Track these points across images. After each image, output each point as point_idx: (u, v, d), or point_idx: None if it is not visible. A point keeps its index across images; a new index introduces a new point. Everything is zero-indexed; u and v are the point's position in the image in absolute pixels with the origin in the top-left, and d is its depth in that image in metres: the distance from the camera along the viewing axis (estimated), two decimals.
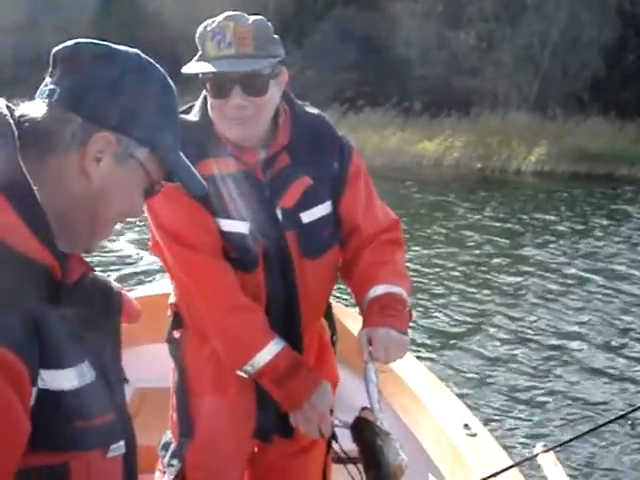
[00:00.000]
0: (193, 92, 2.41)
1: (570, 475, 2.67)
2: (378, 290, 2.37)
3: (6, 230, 1.17)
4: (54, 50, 1.32)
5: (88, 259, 1.41)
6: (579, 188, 20.24)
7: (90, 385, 1.26)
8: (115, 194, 1.34)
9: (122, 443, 1.36)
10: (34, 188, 1.20)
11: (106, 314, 1.42)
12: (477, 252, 12.38)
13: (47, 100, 1.29)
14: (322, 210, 2.44)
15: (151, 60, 1.38)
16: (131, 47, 1.38)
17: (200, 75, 2.27)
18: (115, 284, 1.49)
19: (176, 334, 2.55)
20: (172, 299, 2.58)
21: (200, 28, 2.26)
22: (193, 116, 2.35)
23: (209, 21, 2.23)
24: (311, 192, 2.40)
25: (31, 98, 1.34)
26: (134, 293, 4.15)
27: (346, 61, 27.75)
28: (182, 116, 2.30)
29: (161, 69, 1.39)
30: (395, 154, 23.46)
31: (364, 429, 2.07)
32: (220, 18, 2.22)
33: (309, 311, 2.50)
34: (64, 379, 1.21)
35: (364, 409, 2.12)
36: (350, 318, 3.92)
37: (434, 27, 28.15)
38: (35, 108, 1.29)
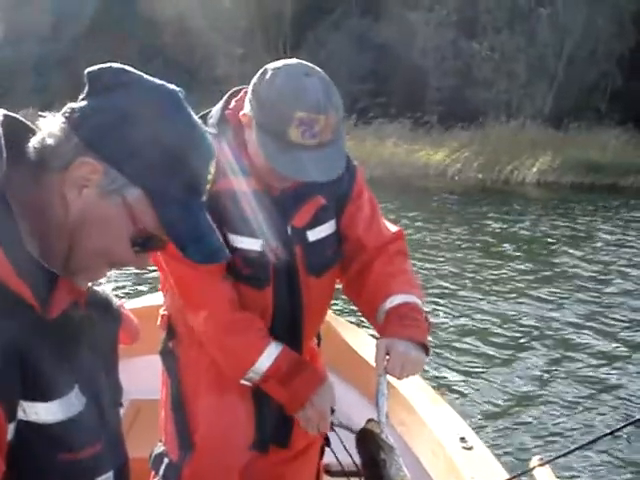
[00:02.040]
0: (206, 103, 2.39)
1: None
2: (395, 300, 2.36)
3: None
4: (86, 70, 1.27)
5: None
6: (588, 199, 20.22)
7: (77, 416, 1.23)
8: (94, 230, 1.24)
9: (110, 474, 1.33)
10: (16, 218, 1.16)
11: (102, 333, 1.38)
12: (479, 261, 12.45)
13: (62, 117, 1.25)
14: (327, 229, 2.45)
15: (184, 104, 1.29)
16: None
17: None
18: (115, 300, 1.46)
19: (171, 345, 2.55)
20: (164, 311, 2.58)
21: (279, 98, 2.12)
22: (211, 127, 2.31)
23: (288, 92, 2.12)
24: (320, 211, 2.42)
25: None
26: (128, 304, 4.16)
27: (361, 71, 27.84)
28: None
29: (193, 115, 1.29)
30: (401, 165, 23.57)
31: (369, 441, 2.05)
32: (310, 106, 2.10)
33: (310, 326, 2.53)
34: (48, 412, 1.19)
35: (370, 421, 2.10)
36: (337, 324, 3.95)
37: (449, 37, 28.17)
38: (51, 123, 1.25)
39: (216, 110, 2.37)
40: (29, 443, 1.16)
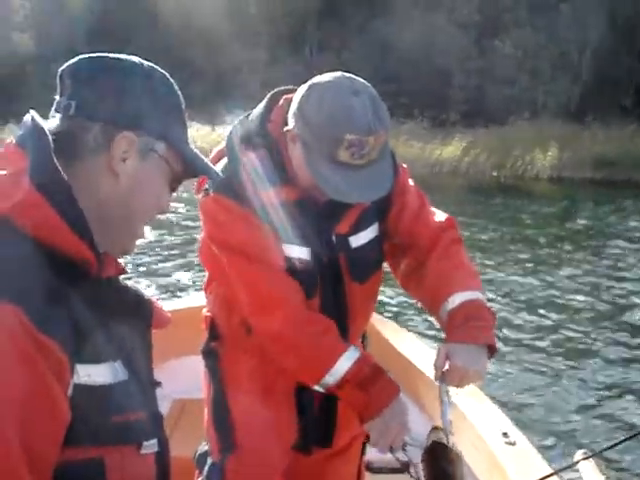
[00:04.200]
0: (234, 110, 2.38)
1: None
2: (457, 299, 2.30)
3: (45, 227, 1.24)
4: (61, 69, 1.40)
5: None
6: (600, 193, 20.38)
7: (123, 382, 1.31)
8: (144, 189, 1.41)
9: (155, 441, 1.40)
10: (71, 186, 1.26)
11: (138, 319, 1.47)
12: (495, 258, 12.49)
13: (64, 114, 1.37)
14: (369, 234, 2.42)
15: (150, 63, 1.46)
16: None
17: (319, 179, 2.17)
18: (145, 293, 1.53)
19: (213, 346, 2.55)
20: (207, 312, 2.58)
21: (328, 121, 2.11)
22: (255, 136, 2.30)
23: (337, 114, 2.10)
24: (362, 216, 2.39)
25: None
26: (172, 305, 4.19)
27: (385, 73, 27.81)
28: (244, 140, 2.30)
29: (161, 70, 1.46)
30: (420, 164, 23.71)
31: (441, 455, 2.04)
32: (360, 129, 2.09)
33: (356, 331, 2.51)
34: (98, 374, 1.26)
35: (435, 429, 2.10)
36: (379, 323, 3.94)
37: (471, 36, 28.15)
38: (54, 123, 1.37)
39: (256, 117, 2.34)
40: (80, 404, 1.21)
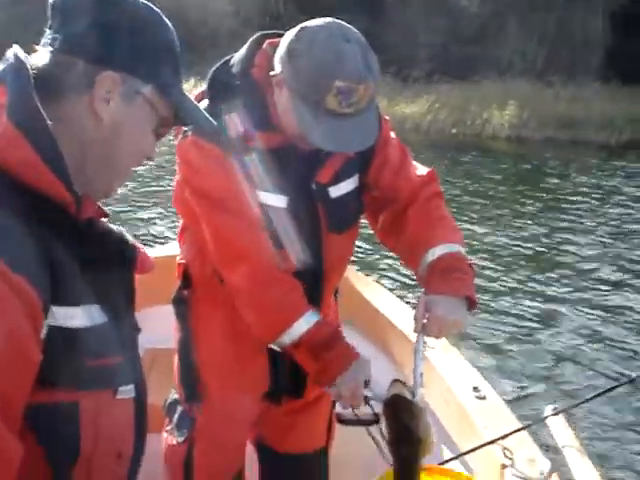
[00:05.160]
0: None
1: (580, 437, 2.65)
2: (437, 252, 2.31)
3: (23, 166, 1.21)
4: (51, 1, 1.35)
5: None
6: (559, 153, 20.34)
7: (100, 326, 1.29)
8: (127, 132, 1.36)
9: (132, 387, 1.38)
10: (49, 125, 1.22)
11: (120, 263, 1.44)
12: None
13: (50, 48, 1.32)
14: (350, 184, 2.41)
15: (146, 2, 1.40)
16: None
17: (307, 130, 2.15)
18: (130, 237, 1.50)
19: (184, 294, 2.52)
20: (180, 260, 2.54)
21: (318, 67, 2.08)
22: (237, 80, 2.26)
23: (327, 60, 2.07)
24: (343, 166, 2.37)
25: None
26: (149, 252, 4.11)
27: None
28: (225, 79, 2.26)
29: (156, 9, 1.40)
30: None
31: (401, 408, 2.02)
32: (350, 76, 2.07)
33: (330, 283, 2.50)
34: (74, 317, 1.24)
35: (396, 382, 2.08)
36: (353, 277, 3.92)
37: None
38: (39, 57, 1.32)
39: (239, 61, 2.29)
40: (54, 347, 1.20)
